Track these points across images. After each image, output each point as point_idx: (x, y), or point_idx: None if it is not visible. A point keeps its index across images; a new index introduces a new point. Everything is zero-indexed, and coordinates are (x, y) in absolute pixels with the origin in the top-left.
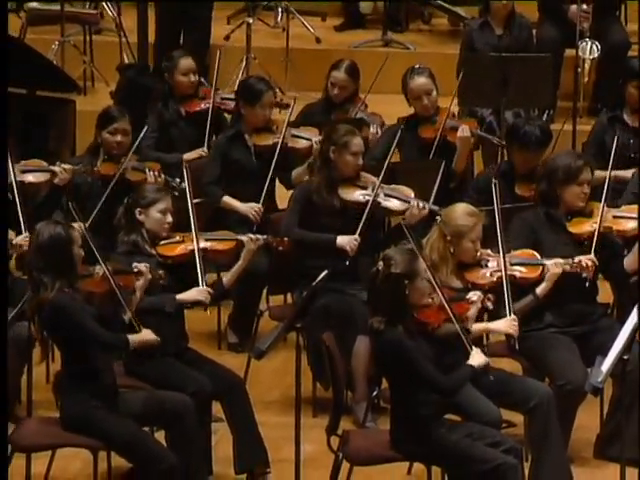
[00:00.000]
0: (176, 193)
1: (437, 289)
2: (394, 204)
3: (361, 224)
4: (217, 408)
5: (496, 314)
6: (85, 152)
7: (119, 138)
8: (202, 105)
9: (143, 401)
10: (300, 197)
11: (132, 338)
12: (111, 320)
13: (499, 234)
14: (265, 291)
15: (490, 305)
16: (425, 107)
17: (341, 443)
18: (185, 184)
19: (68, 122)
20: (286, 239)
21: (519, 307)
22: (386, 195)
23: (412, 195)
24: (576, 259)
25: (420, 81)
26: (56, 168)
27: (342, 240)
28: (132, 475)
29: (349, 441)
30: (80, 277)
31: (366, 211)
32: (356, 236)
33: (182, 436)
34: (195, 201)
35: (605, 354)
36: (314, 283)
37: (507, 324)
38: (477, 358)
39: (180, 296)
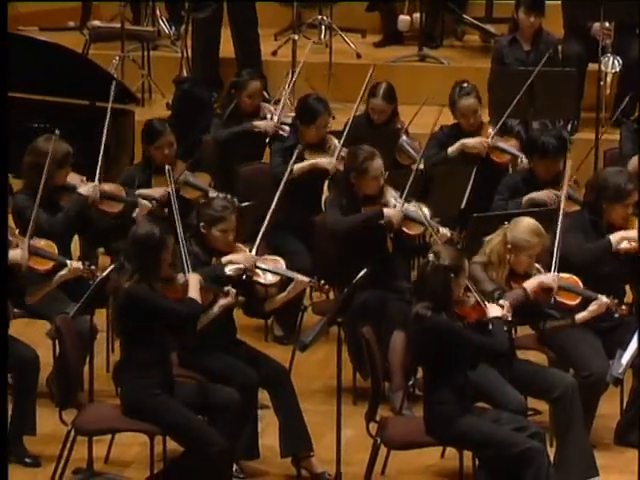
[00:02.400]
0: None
1: (472, 288)
2: (414, 230)
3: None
4: (264, 396)
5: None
6: (139, 163)
7: (165, 151)
8: (261, 126)
9: (194, 392)
10: (334, 200)
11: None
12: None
13: (555, 254)
14: (309, 288)
15: (509, 317)
16: (471, 125)
17: (379, 429)
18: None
19: (127, 131)
20: (327, 287)
21: (555, 325)
22: (407, 218)
23: (428, 214)
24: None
25: (468, 102)
26: (144, 202)
27: (388, 211)
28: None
29: (386, 427)
30: (162, 280)
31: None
32: (400, 208)
33: (225, 428)
34: (245, 204)
35: (625, 348)
36: (354, 281)
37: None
38: (495, 310)
39: (225, 258)
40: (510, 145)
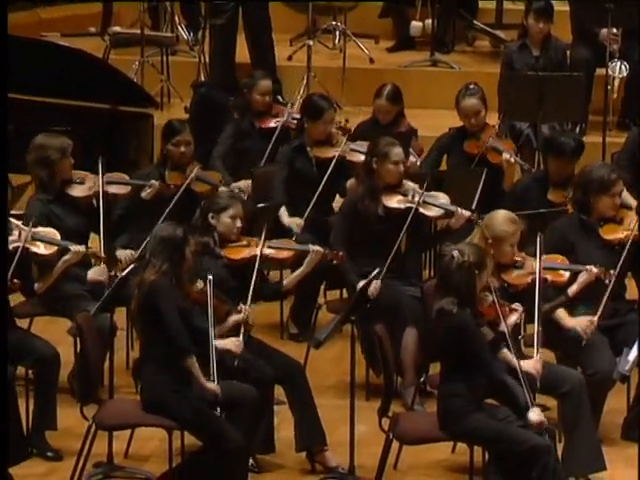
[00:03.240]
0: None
1: (492, 288)
2: (433, 212)
3: (403, 231)
4: (279, 392)
5: (529, 313)
6: (156, 162)
7: (182, 149)
8: (274, 122)
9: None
10: (346, 210)
11: (194, 368)
12: (192, 324)
13: (538, 242)
14: (323, 287)
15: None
16: (472, 125)
17: (391, 424)
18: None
19: (147, 134)
20: (341, 254)
21: (552, 305)
22: (425, 202)
23: (448, 202)
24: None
25: (471, 102)
26: (155, 183)
27: (371, 288)
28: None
29: (399, 422)
30: (185, 276)
31: (408, 219)
32: (379, 281)
33: (241, 423)
34: (259, 205)
35: (631, 346)
36: (367, 280)
37: (532, 365)
38: (534, 414)
39: (217, 342)
40: (506, 147)
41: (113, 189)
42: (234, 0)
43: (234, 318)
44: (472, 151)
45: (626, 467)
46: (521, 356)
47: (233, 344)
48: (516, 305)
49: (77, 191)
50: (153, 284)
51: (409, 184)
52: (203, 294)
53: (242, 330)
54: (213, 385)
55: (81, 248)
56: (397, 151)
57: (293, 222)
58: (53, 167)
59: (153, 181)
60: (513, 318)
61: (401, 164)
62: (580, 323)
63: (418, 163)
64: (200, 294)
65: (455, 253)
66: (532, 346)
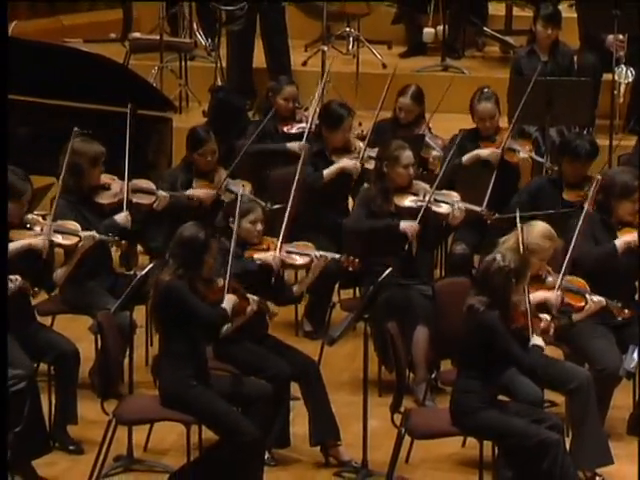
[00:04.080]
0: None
1: (527, 297)
2: (443, 208)
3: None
4: (294, 388)
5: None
6: (179, 165)
7: (209, 158)
8: (297, 128)
9: (229, 383)
10: (363, 200)
11: (225, 305)
12: None
13: (567, 259)
14: (337, 285)
15: (552, 331)
16: (487, 128)
17: (403, 419)
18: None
19: (166, 137)
20: (357, 260)
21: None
22: (436, 201)
23: (458, 198)
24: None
25: (485, 106)
26: (162, 193)
27: (404, 224)
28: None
29: (410, 418)
30: (202, 280)
31: (419, 215)
32: (416, 223)
33: (257, 418)
34: (276, 206)
35: (637, 343)
36: (379, 279)
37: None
38: (538, 340)
39: (257, 255)
40: (524, 148)
41: (138, 198)
42: (249, 5)
43: (248, 309)
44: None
45: (632, 462)
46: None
47: (271, 257)
48: (545, 316)
49: (103, 198)
50: (169, 285)
51: (420, 184)
52: (221, 291)
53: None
54: (229, 298)
55: (94, 234)
56: (407, 154)
57: (354, 166)
58: (82, 174)
59: (161, 192)
60: (542, 326)
61: (411, 167)
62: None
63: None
64: (218, 291)
65: (498, 256)
66: (550, 344)
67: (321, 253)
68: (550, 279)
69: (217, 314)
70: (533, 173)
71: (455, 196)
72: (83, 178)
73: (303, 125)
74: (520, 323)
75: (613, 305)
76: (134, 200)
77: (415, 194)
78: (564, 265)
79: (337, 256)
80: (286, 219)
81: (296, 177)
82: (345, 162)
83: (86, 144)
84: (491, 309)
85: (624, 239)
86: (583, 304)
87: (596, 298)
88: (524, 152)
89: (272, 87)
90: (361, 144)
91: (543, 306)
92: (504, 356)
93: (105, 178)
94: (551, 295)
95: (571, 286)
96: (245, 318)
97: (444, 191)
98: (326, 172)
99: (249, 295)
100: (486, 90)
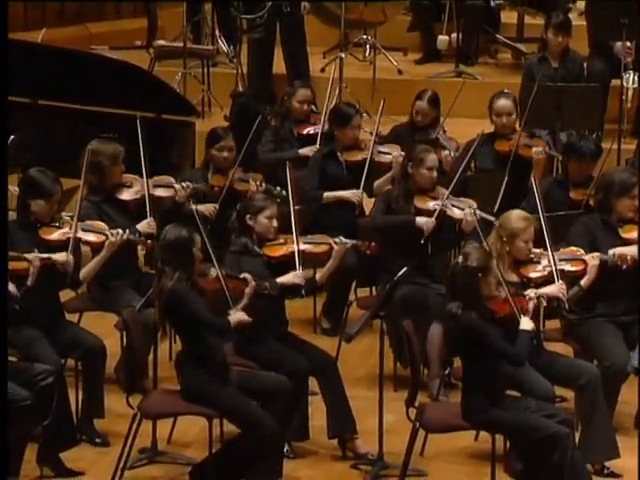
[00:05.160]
0: (278, 200)
1: (504, 285)
2: (458, 213)
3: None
4: (313, 383)
5: (549, 308)
6: (200, 166)
7: (225, 154)
8: (312, 130)
9: (249, 379)
10: (384, 200)
11: (231, 319)
12: (218, 315)
13: (546, 234)
14: (354, 284)
15: (544, 302)
16: (504, 125)
17: (418, 414)
18: (285, 190)
19: (189, 141)
20: (373, 244)
21: (568, 297)
22: (453, 206)
23: (474, 205)
24: (616, 252)
25: (504, 102)
26: (177, 186)
27: (420, 220)
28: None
29: (425, 412)
30: (196, 274)
31: (434, 217)
32: (432, 219)
33: (277, 412)
34: (296, 208)
35: None
36: (395, 278)
37: (557, 288)
38: (527, 323)
39: (281, 279)
40: (537, 143)
41: (159, 192)
42: (268, 14)
43: (247, 291)
44: (503, 149)
45: (638, 456)
46: (542, 350)
47: (296, 277)
48: (530, 291)
49: (126, 194)
50: (172, 292)
51: (440, 189)
52: (217, 281)
53: (297, 260)
54: (239, 315)
55: (120, 232)
56: (432, 157)
57: (354, 195)
58: (103, 172)
59: (176, 185)
60: (530, 305)
61: (435, 170)
62: (553, 288)
63: (451, 154)
64: (215, 282)
65: (459, 258)
66: (553, 340)
67: (340, 239)
68: (543, 260)
69: (219, 325)
70: (545, 171)
71: (472, 203)
72: (105, 176)
73: (318, 127)
74: (505, 311)
75: (611, 258)
76: (156, 194)
77: (435, 198)
78: (547, 242)
79: (354, 242)
80: (293, 212)
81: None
82: (347, 194)
83: (104, 144)
84: (467, 310)
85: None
86: (583, 266)
87: (592, 255)
88: (538, 147)
89: (287, 91)
90: (370, 139)
91: (554, 299)
92: (491, 352)
93: (127, 177)
94: (554, 288)
95: (564, 256)
96: (248, 300)
97: (462, 198)
98: (326, 195)
99: (243, 275)
100: (506, 90)
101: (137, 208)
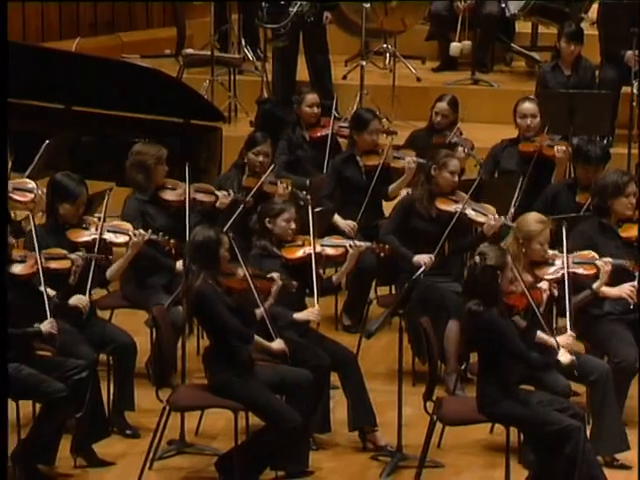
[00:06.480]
0: (302, 203)
1: (520, 279)
2: (478, 217)
3: (447, 231)
4: (334, 378)
5: (560, 303)
6: (230, 168)
7: (261, 159)
8: (323, 132)
9: (273, 373)
10: (402, 208)
11: (258, 340)
12: (245, 313)
13: (564, 240)
14: (374, 283)
15: (556, 292)
16: (528, 127)
17: (435, 407)
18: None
19: (216, 145)
20: (387, 247)
21: (579, 299)
22: (473, 209)
23: (494, 212)
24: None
25: (530, 105)
26: (219, 193)
27: (418, 258)
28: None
29: (442, 406)
30: (223, 274)
31: (453, 221)
32: (431, 256)
33: (300, 405)
34: (316, 210)
35: None
36: (414, 277)
37: (565, 340)
38: (564, 356)
39: (296, 315)
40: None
41: (200, 197)
42: (292, 24)
43: (273, 290)
44: (527, 149)
45: None
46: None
47: (312, 314)
48: (542, 284)
49: (169, 195)
50: (199, 292)
51: (461, 193)
52: (244, 280)
53: (315, 298)
54: (277, 343)
55: (144, 232)
56: (455, 162)
57: (347, 225)
58: (149, 172)
59: (218, 192)
60: (544, 297)
61: (456, 175)
62: (623, 290)
63: (465, 150)
64: (242, 281)
65: (477, 258)
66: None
67: (355, 242)
68: (558, 262)
69: (243, 334)
70: (567, 172)
71: (492, 210)
72: (150, 175)
73: (328, 129)
74: (523, 305)
75: (624, 263)
76: (197, 198)
77: (456, 202)
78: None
79: (369, 244)
80: (310, 215)
81: None
82: (341, 223)
83: (148, 145)
84: (489, 307)
85: (610, 293)
86: (595, 271)
87: (605, 260)
88: (560, 147)
89: (295, 99)
90: (388, 143)
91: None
92: (508, 350)
93: (171, 181)
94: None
95: (578, 259)
96: (274, 298)
97: (482, 204)
98: (336, 217)
99: (270, 274)
100: (531, 96)
101: (177, 211)
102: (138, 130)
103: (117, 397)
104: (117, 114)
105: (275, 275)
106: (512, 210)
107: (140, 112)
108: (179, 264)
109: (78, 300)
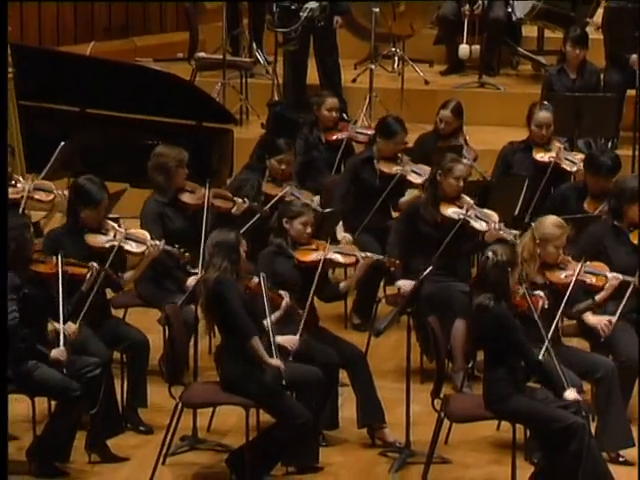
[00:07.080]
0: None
1: (523, 282)
2: (480, 225)
3: (448, 238)
4: (343, 375)
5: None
6: (242, 169)
7: (283, 167)
8: (339, 135)
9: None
10: (407, 214)
11: (259, 348)
12: (255, 317)
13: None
14: (382, 282)
15: (546, 305)
16: (542, 136)
17: (443, 404)
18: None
19: (227, 147)
20: (398, 262)
21: (580, 307)
22: (476, 217)
23: (496, 219)
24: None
25: (546, 115)
26: (238, 200)
27: (400, 282)
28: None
29: (449, 403)
30: (241, 274)
31: (454, 229)
32: (414, 283)
33: (309, 402)
34: (326, 210)
35: None
36: (421, 277)
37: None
38: (571, 394)
39: (278, 338)
40: (576, 158)
41: (218, 202)
42: (302, 27)
43: (284, 305)
44: (543, 160)
45: None
46: (557, 342)
47: (290, 341)
48: (539, 292)
49: (188, 198)
50: (218, 279)
51: (466, 198)
52: (259, 287)
53: (300, 327)
54: (275, 360)
55: (159, 243)
56: (460, 168)
57: (344, 237)
58: (170, 174)
59: (238, 199)
60: (540, 304)
61: (462, 180)
62: (600, 321)
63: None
64: (257, 287)
65: (490, 254)
66: (571, 336)
67: (366, 254)
68: (570, 265)
69: (249, 328)
70: None
71: (495, 217)
72: (171, 177)
73: (344, 133)
74: (523, 307)
75: (632, 280)
76: (215, 204)
77: (460, 207)
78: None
79: (380, 257)
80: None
81: None
82: (339, 235)
83: (169, 148)
84: (499, 302)
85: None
86: (603, 283)
87: (614, 274)
88: (579, 163)
89: (315, 100)
90: (407, 158)
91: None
92: (515, 345)
93: (190, 184)
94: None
95: (591, 269)
96: (283, 312)
97: (486, 210)
98: (338, 229)
99: (281, 291)
100: (546, 103)
101: (194, 214)
102: (151, 132)
103: (130, 394)
104: (130, 117)
105: (284, 293)
106: (516, 212)
107: (153, 114)
108: (191, 280)
109: (58, 352)
